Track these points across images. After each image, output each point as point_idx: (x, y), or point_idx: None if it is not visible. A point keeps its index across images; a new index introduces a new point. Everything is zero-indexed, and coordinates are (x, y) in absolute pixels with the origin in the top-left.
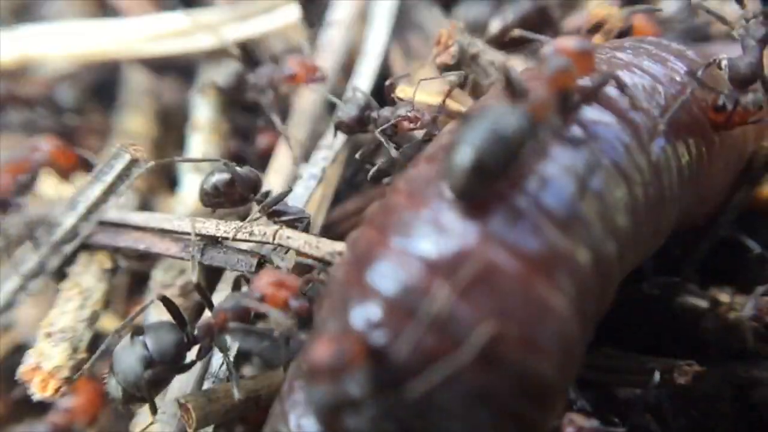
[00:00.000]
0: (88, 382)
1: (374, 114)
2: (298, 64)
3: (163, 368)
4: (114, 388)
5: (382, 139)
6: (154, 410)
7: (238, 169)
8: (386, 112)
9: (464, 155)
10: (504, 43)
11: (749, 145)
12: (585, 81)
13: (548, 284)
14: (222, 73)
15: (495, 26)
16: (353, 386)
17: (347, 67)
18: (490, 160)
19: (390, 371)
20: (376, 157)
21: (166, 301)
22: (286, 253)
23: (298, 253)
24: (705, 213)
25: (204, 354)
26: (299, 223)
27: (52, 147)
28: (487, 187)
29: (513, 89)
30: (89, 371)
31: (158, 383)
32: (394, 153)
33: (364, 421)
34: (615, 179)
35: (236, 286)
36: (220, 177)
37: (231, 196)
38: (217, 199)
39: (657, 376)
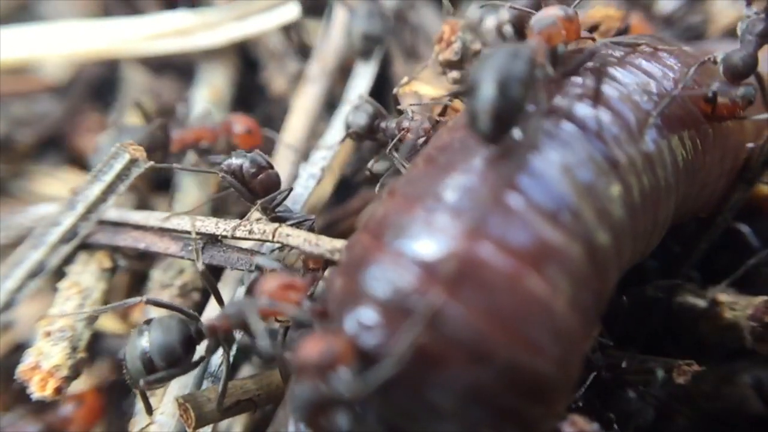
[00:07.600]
0: (95, 393)
1: (383, 124)
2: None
3: (164, 369)
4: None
5: (396, 157)
6: (149, 411)
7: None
8: (392, 123)
9: (484, 95)
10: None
11: (747, 137)
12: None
13: (539, 279)
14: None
15: (490, 23)
16: (339, 385)
17: (347, 68)
18: (508, 98)
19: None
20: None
21: (160, 303)
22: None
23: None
24: (703, 203)
25: (212, 352)
26: (303, 226)
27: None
28: (509, 125)
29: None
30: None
31: (159, 382)
32: (399, 164)
33: (351, 423)
34: (606, 171)
35: (251, 287)
36: (249, 164)
37: (247, 185)
38: (233, 179)
39: (660, 374)
